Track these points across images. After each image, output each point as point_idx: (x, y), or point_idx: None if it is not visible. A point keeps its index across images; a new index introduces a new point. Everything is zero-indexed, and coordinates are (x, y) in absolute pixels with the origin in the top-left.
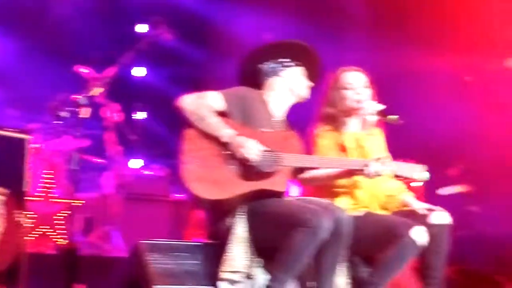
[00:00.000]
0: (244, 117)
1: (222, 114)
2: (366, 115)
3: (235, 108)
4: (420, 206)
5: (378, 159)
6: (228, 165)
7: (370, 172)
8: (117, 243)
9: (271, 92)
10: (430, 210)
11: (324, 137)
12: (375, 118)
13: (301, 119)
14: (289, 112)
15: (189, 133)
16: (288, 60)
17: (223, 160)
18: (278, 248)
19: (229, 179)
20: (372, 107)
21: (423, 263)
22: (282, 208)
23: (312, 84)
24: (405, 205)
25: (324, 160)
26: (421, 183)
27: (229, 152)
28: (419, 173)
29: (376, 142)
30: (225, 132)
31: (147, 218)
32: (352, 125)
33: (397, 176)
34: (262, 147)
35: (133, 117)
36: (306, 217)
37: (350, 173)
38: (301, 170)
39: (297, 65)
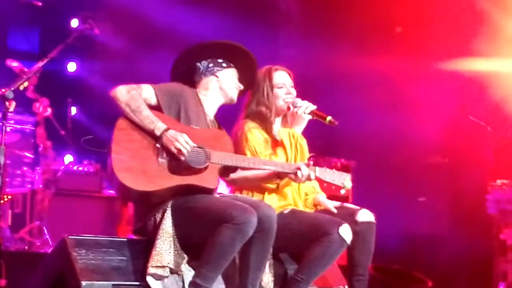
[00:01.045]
0: (176, 113)
1: (154, 108)
2: (300, 114)
3: (168, 103)
4: (332, 205)
5: (309, 164)
6: (159, 158)
7: (302, 177)
8: (47, 239)
9: (205, 91)
10: (341, 207)
11: (253, 133)
12: (308, 117)
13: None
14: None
15: (121, 123)
16: (225, 61)
17: (154, 153)
18: (204, 244)
19: (158, 172)
20: (305, 106)
21: (350, 260)
22: (208, 204)
23: (242, 87)
24: (317, 204)
25: (255, 161)
26: (343, 191)
27: (160, 146)
28: (347, 181)
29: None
30: (158, 125)
31: (78, 214)
32: (278, 123)
33: (323, 182)
34: (193, 143)
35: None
36: (232, 213)
37: (279, 176)
38: (231, 170)
39: (231, 67)
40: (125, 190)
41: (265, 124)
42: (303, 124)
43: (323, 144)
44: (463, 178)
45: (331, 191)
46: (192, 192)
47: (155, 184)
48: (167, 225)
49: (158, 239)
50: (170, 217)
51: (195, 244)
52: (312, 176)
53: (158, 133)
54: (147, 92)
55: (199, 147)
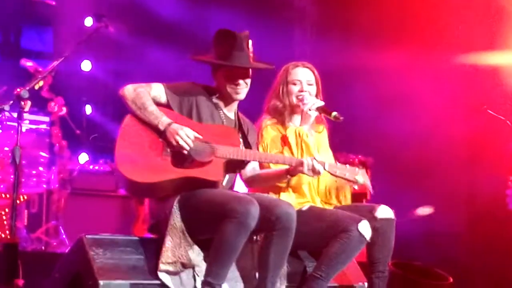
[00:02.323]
0: (188, 112)
1: (164, 106)
2: (307, 111)
3: (178, 101)
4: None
5: (314, 158)
6: (163, 152)
7: (308, 170)
8: (63, 239)
9: (218, 89)
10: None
11: (268, 130)
12: (315, 114)
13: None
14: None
15: (128, 120)
16: (217, 61)
17: (159, 148)
18: (211, 239)
19: (161, 165)
20: (312, 102)
21: (369, 257)
22: (211, 198)
23: (240, 83)
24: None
25: (261, 155)
26: (356, 187)
27: (164, 140)
28: (359, 176)
29: (320, 139)
30: (162, 120)
31: (94, 213)
32: (297, 120)
33: (336, 177)
34: (198, 136)
35: (79, 112)
36: (233, 207)
37: (289, 172)
38: (239, 165)
39: (223, 66)
40: (128, 183)
41: (281, 119)
42: (310, 121)
43: (341, 140)
44: (482, 173)
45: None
46: (197, 186)
47: (156, 177)
48: (175, 220)
49: (167, 235)
50: (178, 212)
51: (208, 238)
52: (321, 170)
53: (161, 127)
54: (157, 91)
55: (205, 142)
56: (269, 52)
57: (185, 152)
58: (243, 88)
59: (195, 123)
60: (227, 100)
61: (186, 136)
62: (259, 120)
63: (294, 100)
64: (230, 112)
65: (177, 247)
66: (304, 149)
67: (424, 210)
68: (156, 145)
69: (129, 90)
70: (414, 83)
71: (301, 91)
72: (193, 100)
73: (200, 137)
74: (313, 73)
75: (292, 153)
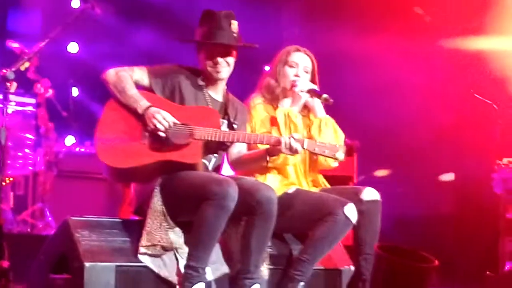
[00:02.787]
0: (170, 94)
1: (147, 89)
2: (298, 92)
3: (161, 84)
4: None
5: (291, 136)
6: (142, 136)
7: (286, 148)
8: (49, 221)
9: (202, 71)
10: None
11: (257, 109)
12: (306, 95)
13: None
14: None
15: (109, 105)
16: (196, 40)
17: (138, 132)
18: (192, 221)
19: (139, 149)
20: (303, 85)
21: (356, 239)
22: (190, 181)
23: (219, 61)
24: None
25: (239, 136)
26: (336, 163)
27: (143, 123)
28: (339, 153)
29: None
30: (141, 103)
31: (80, 195)
32: (287, 103)
33: (315, 155)
34: (175, 120)
35: (66, 94)
36: (211, 188)
37: (268, 152)
38: (219, 146)
39: (203, 44)
40: (108, 169)
41: (273, 99)
42: (300, 103)
43: None
44: (469, 157)
45: (333, 170)
46: (176, 169)
47: (134, 161)
48: (155, 203)
49: (148, 217)
50: (159, 195)
51: (189, 221)
52: (300, 149)
53: (140, 111)
54: (139, 74)
55: (183, 124)
56: (257, 35)
57: (162, 135)
58: (223, 68)
59: (175, 106)
60: (211, 80)
61: (163, 119)
62: (248, 98)
63: (288, 84)
64: (217, 94)
65: (157, 230)
66: (292, 130)
67: (447, 176)
68: (135, 129)
69: (110, 74)
70: (402, 67)
71: (296, 75)
72: (176, 83)
73: (177, 122)
74: (312, 62)
75: (280, 133)
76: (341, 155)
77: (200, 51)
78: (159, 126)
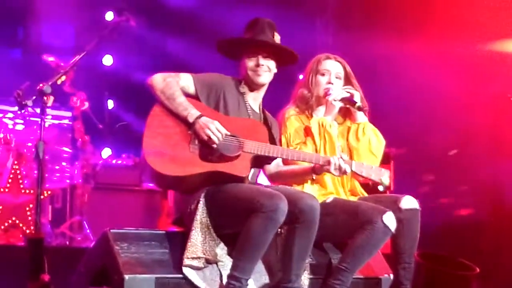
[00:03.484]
0: (215, 103)
1: (193, 97)
2: (331, 101)
3: (206, 93)
4: None
5: (341, 157)
6: (191, 145)
7: (334, 170)
8: (88, 234)
9: (243, 83)
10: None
11: (292, 121)
12: (339, 104)
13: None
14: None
15: (156, 109)
16: (243, 52)
17: (187, 140)
18: (238, 234)
19: (189, 158)
20: (336, 93)
21: (395, 248)
22: (238, 193)
23: (263, 63)
24: None
25: (288, 152)
26: (381, 188)
27: (192, 132)
28: (385, 178)
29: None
30: (191, 112)
31: (118, 208)
32: (321, 112)
33: (359, 176)
34: (226, 131)
35: (101, 106)
36: (261, 201)
37: (315, 170)
38: (265, 160)
39: (245, 52)
40: (155, 175)
41: (307, 109)
42: (334, 112)
43: None
44: (506, 162)
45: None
46: (223, 181)
47: (184, 170)
48: (200, 215)
49: (192, 230)
50: (204, 207)
51: (232, 233)
52: (348, 170)
53: (190, 120)
54: (185, 81)
55: (233, 136)
56: (291, 44)
57: (215, 146)
58: (265, 72)
59: (222, 116)
60: (252, 87)
61: (216, 130)
62: (282, 110)
63: (321, 92)
64: (255, 105)
65: (202, 242)
66: (327, 139)
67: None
68: (184, 137)
69: (157, 80)
70: (437, 71)
71: (329, 82)
72: (220, 92)
73: (228, 132)
74: (344, 68)
75: (314, 143)
76: (386, 179)
77: (242, 56)
78: (212, 137)
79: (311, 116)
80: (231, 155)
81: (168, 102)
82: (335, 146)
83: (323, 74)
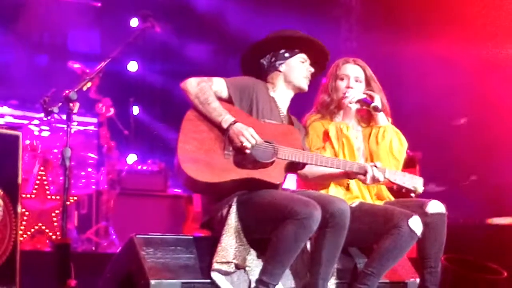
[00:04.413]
0: (248, 107)
1: (226, 101)
2: (347, 104)
3: (239, 96)
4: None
5: (375, 165)
6: (225, 151)
7: (369, 179)
8: (114, 239)
9: (273, 86)
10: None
11: (314, 126)
12: (356, 106)
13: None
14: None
15: (190, 114)
16: (287, 50)
17: (221, 146)
18: (269, 239)
19: (223, 164)
20: (353, 95)
21: (421, 252)
22: (272, 200)
23: (312, 70)
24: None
25: (321, 158)
26: (413, 195)
27: (227, 138)
28: (419, 185)
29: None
30: (226, 118)
31: (143, 213)
32: (343, 116)
33: (395, 185)
34: (260, 138)
35: (127, 112)
36: (295, 208)
37: (348, 175)
38: (298, 166)
39: (296, 53)
40: (189, 180)
41: (328, 114)
42: (351, 114)
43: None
44: None
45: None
46: (257, 187)
47: (219, 177)
48: (232, 220)
49: (223, 234)
50: (235, 212)
51: (262, 239)
52: (381, 178)
53: (225, 125)
54: (218, 85)
55: (267, 142)
56: None
57: (249, 152)
58: (309, 77)
59: (257, 121)
60: (286, 92)
61: (251, 136)
62: (305, 117)
63: (340, 95)
64: (284, 109)
65: (232, 247)
66: (345, 143)
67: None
68: (218, 143)
69: (191, 84)
70: (463, 73)
71: (348, 87)
72: (253, 95)
73: (262, 140)
74: (364, 70)
75: (333, 147)
76: (420, 187)
77: (285, 58)
78: (246, 143)
79: (331, 121)
80: (266, 161)
81: (202, 107)
82: (353, 149)
83: (342, 79)
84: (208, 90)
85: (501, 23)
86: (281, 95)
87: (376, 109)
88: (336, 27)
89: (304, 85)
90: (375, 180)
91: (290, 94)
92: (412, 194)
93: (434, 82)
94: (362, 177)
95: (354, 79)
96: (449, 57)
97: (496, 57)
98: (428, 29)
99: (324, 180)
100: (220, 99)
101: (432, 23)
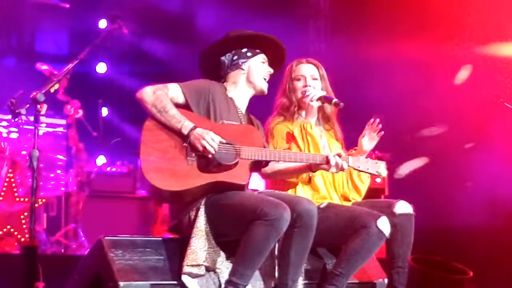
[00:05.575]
0: (205, 109)
1: (183, 106)
2: (308, 102)
3: (196, 100)
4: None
5: (339, 154)
6: (188, 157)
7: (333, 167)
8: (83, 241)
9: (233, 85)
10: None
11: (278, 129)
12: (317, 104)
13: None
14: (252, 106)
15: (148, 124)
16: (249, 49)
17: (183, 152)
18: (238, 241)
19: (188, 171)
20: (313, 94)
21: (389, 252)
22: (240, 201)
23: (271, 71)
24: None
25: (283, 154)
26: (379, 180)
27: (188, 144)
28: (382, 169)
29: (330, 137)
30: (185, 124)
31: (112, 215)
32: (304, 116)
33: (359, 171)
34: (221, 140)
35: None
36: (264, 209)
37: (311, 168)
38: (262, 164)
39: (257, 53)
40: (156, 191)
41: (289, 116)
42: (313, 112)
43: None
44: (499, 165)
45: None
46: (223, 189)
47: (185, 184)
48: (201, 223)
49: (192, 237)
50: (204, 215)
51: (231, 240)
52: (345, 166)
53: (185, 132)
54: (174, 91)
55: (228, 143)
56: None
57: (210, 156)
58: (267, 78)
59: (215, 125)
60: (244, 92)
61: (212, 140)
62: (267, 120)
63: (299, 95)
64: (243, 108)
65: (202, 250)
66: (309, 141)
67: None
68: (180, 150)
69: (147, 93)
70: (430, 76)
71: (305, 86)
72: (209, 97)
73: (223, 140)
74: (318, 68)
75: (298, 146)
76: (384, 170)
77: (245, 59)
78: (208, 147)
79: (293, 122)
80: (229, 163)
81: (160, 115)
82: (319, 146)
83: (298, 79)
84: (164, 97)
85: (468, 23)
86: (241, 94)
87: (336, 104)
88: (304, 28)
89: (265, 87)
90: (339, 167)
91: (250, 93)
92: (378, 179)
93: (403, 84)
94: (325, 166)
95: (310, 77)
96: (417, 58)
97: (462, 57)
98: (396, 30)
99: (287, 175)
100: (177, 105)
101: (400, 24)
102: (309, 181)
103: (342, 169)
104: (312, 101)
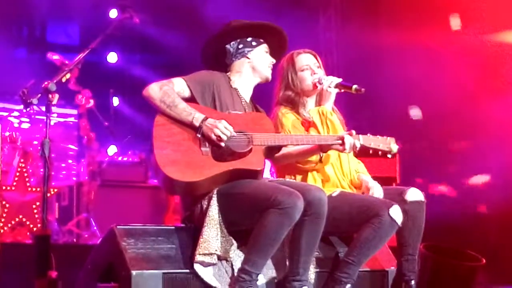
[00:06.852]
0: (211, 101)
1: (189, 100)
2: (326, 89)
3: (201, 92)
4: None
5: (351, 133)
6: (202, 148)
7: (347, 145)
8: (95, 231)
9: (238, 73)
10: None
11: (287, 117)
12: (335, 90)
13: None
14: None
15: (159, 119)
16: (254, 39)
17: (196, 144)
18: (251, 230)
19: (203, 161)
20: (330, 80)
21: (399, 240)
22: (253, 190)
23: (274, 61)
24: (359, 186)
25: (297, 137)
26: (390, 156)
27: (201, 135)
28: (393, 145)
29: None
30: (196, 116)
31: (124, 204)
32: (311, 104)
33: (371, 149)
34: (233, 129)
35: (107, 103)
36: (278, 198)
37: (322, 148)
38: (275, 150)
39: (261, 43)
40: (173, 183)
41: (296, 107)
42: (331, 99)
43: (367, 124)
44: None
45: (376, 172)
46: (240, 177)
47: (202, 174)
48: (213, 212)
49: (205, 226)
50: (216, 204)
51: (243, 230)
52: (357, 144)
53: (197, 123)
54: (179, 85)
55: (240, 132)
56: (294, 41)
57: (223, 145)
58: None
59: (224, 114)
60: (248, 81)
61: (224, 128)
62: (273, 112)
63: (310, 84)
64: (247, 97)
65: (214, 239)
66: (330, 127)
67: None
68: (193, 142)
69: (154, 90)
70: (442, 63)
71: (313, 74)
72: (214, 89)
73: (235, 129)
74: (316, 57)
75: (318, 132)
76: (394, 146)
77: (250, 47)
78: (222, 136)
79: (301, 112)
80: (243, 151)
81: (170, 110)
82: (338, 131)
83: (304, 70)
84: (172, 92)
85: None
86: (245, 83)
87: (358, 90)
88: (315, 17)
89: (269, 74)
90: (353, 147)
91: (255, 81)
92: (389, 155)
93: (414, 71)
94: (340, 147)
95: (314, 65)
96: (429, 46)
97: (475, 45)
98: (406, 18)
99: (298, 157)
100: (183, 99)
101: (410, 12)
102: (320, 160)
103: (355, 147)
104: (330, 87)
